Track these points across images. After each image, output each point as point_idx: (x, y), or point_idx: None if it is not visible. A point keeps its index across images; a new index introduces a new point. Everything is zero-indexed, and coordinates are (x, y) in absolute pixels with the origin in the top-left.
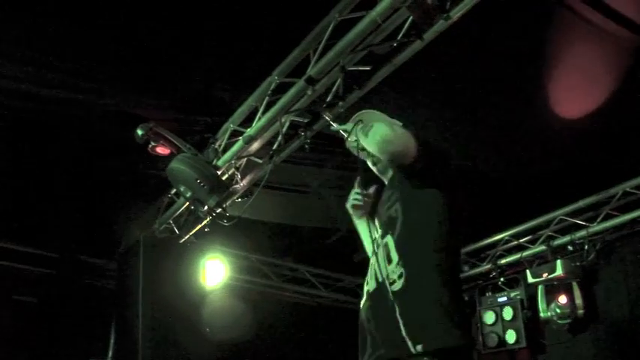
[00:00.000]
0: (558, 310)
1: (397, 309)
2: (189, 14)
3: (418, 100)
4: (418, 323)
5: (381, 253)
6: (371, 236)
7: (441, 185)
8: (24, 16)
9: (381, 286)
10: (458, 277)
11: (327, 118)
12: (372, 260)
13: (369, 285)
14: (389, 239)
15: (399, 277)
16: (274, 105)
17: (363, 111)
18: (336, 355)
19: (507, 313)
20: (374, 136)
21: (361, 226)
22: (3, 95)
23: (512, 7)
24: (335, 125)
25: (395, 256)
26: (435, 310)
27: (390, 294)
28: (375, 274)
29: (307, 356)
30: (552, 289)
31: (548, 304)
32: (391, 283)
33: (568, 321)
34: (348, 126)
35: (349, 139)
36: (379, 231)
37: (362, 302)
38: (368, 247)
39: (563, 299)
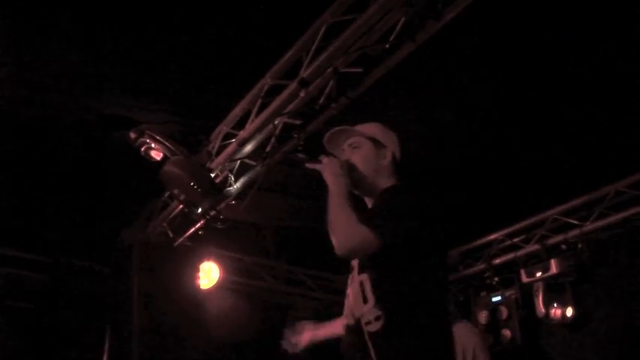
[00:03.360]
0: (554, 309)
1: (372, 349)
2: (182, 18)
3: (413, 100)
4: None
5: (355, 288)
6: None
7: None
8: (22, 17)
9: (356, 324)
10: (441, 318)
11: (300, 156)
12: (348, 291)
13: (348, 319)
14: (364, 278)
15: (376, 319)
16: (267, 107)
17: (337, 129)
18: (331, 355)
19: (502, 313)
20: (334, 244)
21: None
22: None
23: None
24: (309, 163)
25: (371, 297)
26: (414, 356)
27: (365, 334)
28: (352, 310)
29: (303, 357)
30: (548, 287)
31: (544, 302)
32: (366, 324)
33: (563, 320)
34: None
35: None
36: (355, 266)
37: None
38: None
39: (557, 298)
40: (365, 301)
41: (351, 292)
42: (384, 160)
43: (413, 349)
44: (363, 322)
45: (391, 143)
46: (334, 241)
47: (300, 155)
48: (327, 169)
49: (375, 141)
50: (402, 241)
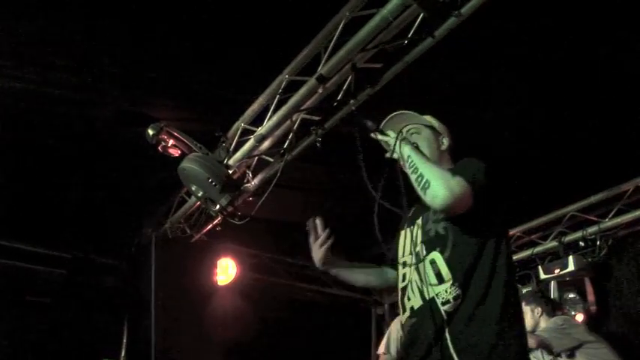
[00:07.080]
0: (571, 306)
1: (447, 329)
2: (201, 13)
3: (435, 90)
4: (471, 346)
5: (425, 268)
6: (405, 245)
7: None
8: (35, 15)
9: (429, 304)
10: (515, 302)
11: (368, 125)
12: (409, 273)
13: (413, 301)
14: (436, 256)
15: (455, 298)
16: (285, 103)
17: (397, 113)
18: (348, 351)
19: None
20: (430, 197)
21: None
22: (15, 97)
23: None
24: (376, 135)
25: (448, 276)
26: (491, 337)
27: (442, 313)
28: (420, 290)
29: (320, 353)
30: (565, 285)
31: (560, 300)
32: (443, 303)
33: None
34: (391, 137)
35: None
36: (419, 244)
37: (404, 317)
38: (402, 255)
39: (575, 295)
40: (440, 280)
41: (416, 274)
42: (444, 146)
43: (491, 332)
44: (438, 302)
45: (446, 132)
46: (432, 193)
47: (369, 123)
48: (399, 139)
49: (432, 129)
50: (486, 198)
